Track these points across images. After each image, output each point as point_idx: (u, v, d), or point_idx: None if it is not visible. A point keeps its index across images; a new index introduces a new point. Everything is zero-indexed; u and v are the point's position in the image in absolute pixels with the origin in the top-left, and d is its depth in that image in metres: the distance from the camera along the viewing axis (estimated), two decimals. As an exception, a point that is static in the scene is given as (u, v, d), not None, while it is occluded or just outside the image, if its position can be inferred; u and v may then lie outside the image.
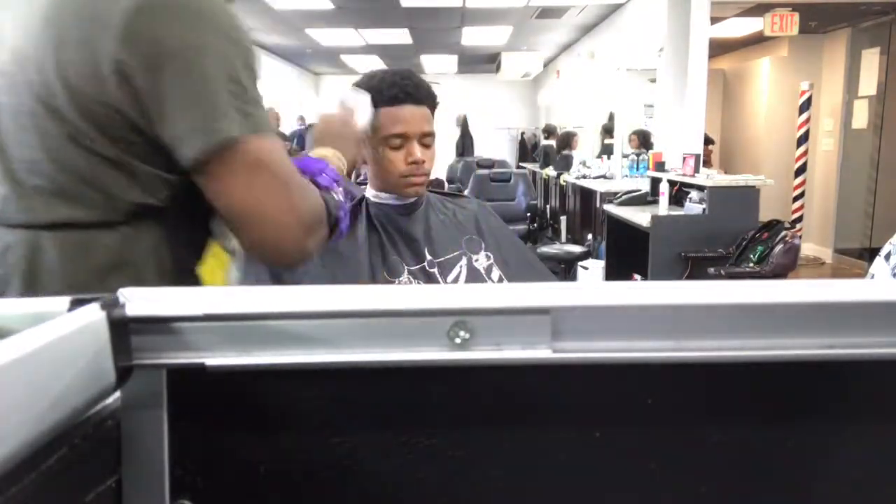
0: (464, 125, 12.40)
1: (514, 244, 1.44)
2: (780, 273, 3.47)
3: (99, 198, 0.78)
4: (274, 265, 0.91)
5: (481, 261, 1.32)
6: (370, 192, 1.30)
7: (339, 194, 0.96)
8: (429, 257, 1.27)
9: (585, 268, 4.69)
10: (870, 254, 5.90)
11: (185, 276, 0.84)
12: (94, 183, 0.78)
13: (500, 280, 1.33)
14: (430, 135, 1.26)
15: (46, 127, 0.76)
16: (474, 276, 1.29)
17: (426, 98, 1.25)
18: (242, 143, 0.77)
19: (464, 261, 1.30)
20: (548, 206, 8.09)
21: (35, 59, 0.75)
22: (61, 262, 0.78)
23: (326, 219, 0.90)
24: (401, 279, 1.23)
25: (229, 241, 0.91)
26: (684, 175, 4.33)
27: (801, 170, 6.05)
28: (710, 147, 6.68)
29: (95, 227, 0.79)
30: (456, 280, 1.27)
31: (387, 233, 1.27)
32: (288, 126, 9.05)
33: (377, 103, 1.22)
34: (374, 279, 1.21)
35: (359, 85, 1.25)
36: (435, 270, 1.26)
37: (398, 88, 1.22)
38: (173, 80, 0.74)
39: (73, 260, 0.79)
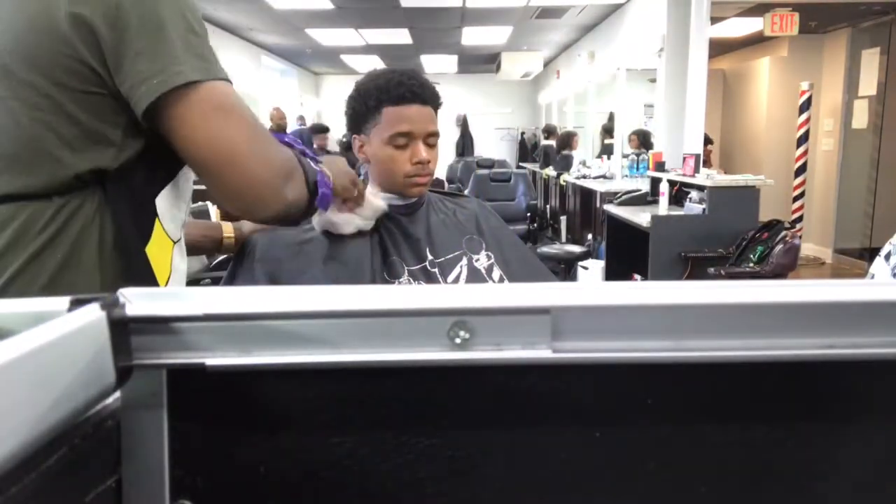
0: (464, 125, 12.40)
1: (514, 244, 1.44)
2: (780, 273, 3.47)
3: (42, 164, 0.76)
4: (249, 214, 0.89)
5: (482, 261, 1.31)
6: (370, 191, 1.30)
7: (319, 169, 0.95)
8: (430, 257, 1.27)
9: (585, 268, 4.69)
10: (870, 254, 5.90)
11: (133, 255, 0.83)
12: (39, 146, 0.76)
13: (501, 280, 1.32)
14: (435, 135, 1.26)
15: None
16: (475, 276, 1.29)
17: (431, 98, 1.25)
18: (207, 86, 0.77)
19: (464, 261, 1.29)
20: (548, 206, 8.09)
21: None
22: None
23: (304, 179, 0.89)
24: (401, 280, 1.23)
25: (173, 222, 0.89)
26: (684, 175, 4.33)
27: (801, 170, 6.05)
28: (710, 147, 6.68)
29: (34, 199, 0.77)
30: (456, 280, 1.27)
31: (388, 232, 1.26)
32: (288, 127, 9.04)
33: (383, 102, 1.22)
34: (374, 281, 1.21)
35: (364, 83, 1.25)
36: (436, 270, 1.26)
37: (405, 88, 1.22)
38: (131, 29, 0.74)
39: (9, 235, 0.77)
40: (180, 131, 0.78)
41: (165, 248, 0.88)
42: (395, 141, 1.23)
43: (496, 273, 1.32)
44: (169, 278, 0.89)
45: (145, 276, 0.84)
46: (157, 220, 0.85)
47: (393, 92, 1.22)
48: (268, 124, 6.84)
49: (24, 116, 0.75)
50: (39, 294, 0.78)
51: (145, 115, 0.76)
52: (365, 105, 1.24)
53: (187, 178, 0.91)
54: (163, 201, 0.86)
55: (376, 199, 1.23)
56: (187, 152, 0.79)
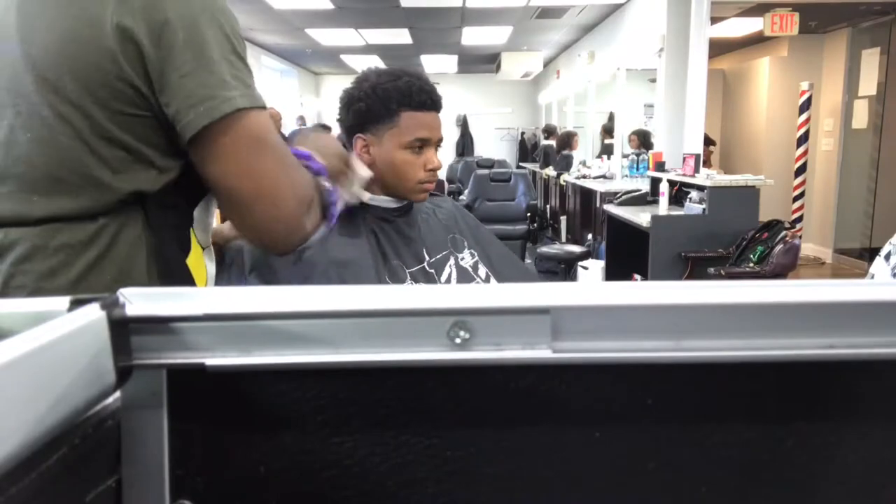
0: (464, 125, 12.40)
1: (492, 241, 1.44)
2: (780, 273, 3.47)
3: (82, 186, 0.75)
4: (271, 247, 0.88)
5: (466, 259, 1.31)
6: (364, 194, 1.29)
7: (326, 181, 0.94)
8: (427, 258, 1.27)
9: (585, 268, 4.69)
10: (870, 254, 5.90)
11: (177, 269, 0.82)
12: (79, 167, 0.74)
13: (488, 277, 1.32)
14: (441, 141, 1.28)
15: (30, 103, 0.72)
16: (464, 274, 1.29)
17: (441, 105, 1.27)
18: (248, 115, 0.75)
19: (452, 260, 1.29)
20: (548, 206, 8.09)
21: (22, 31, 0.72)
22: (40, 260, 0.75)
23: (319, 203, 0.88)
24: (405, 284, 1.23)
25: (202, 232, 0.89)
26: (684, 175, 4.33)
27: (801, 170, 6.05)
28: (712, 148, 6.68)
29: (76, 221, 0.76)
30: (448, 280, 1.27)
31: (385, 235, 1.26)
32: (288, 127, 9.05)
33: (403, 106, 1.21)
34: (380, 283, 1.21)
35: (381, 84, 1.22)
36: (433, 271, 1.26)
37: (426, 95, 1.23)
38: (178, 49, 0.72)
39: (53, 257, 0.75)
40: (219, 162, 0.76)
41: (198, 256, 0.88)
42: (412, 146, 1.22)
43: (482, 270, 1.32)
44: (206, 281, 0.89)
45: (188, 284, 0.84)
46: (191, 230, 0.86)
47: (415, 98, 1.21)
48: None
49: (64, 136, 0.73)
50: None
51: (190, 141, 0.74)
52: (384, 107, 1.21)
53: None
54: (196, 212, 0.86)
55: (362, 169, 1.20)
56: (221, 183, 0.78)
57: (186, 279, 0.83)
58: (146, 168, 0.77)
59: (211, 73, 0.73)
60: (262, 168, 0.77)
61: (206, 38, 0.74)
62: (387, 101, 1.21)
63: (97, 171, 0.75)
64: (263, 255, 1.17)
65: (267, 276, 1.15)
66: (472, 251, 1.34)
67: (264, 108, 0.79)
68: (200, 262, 0.88)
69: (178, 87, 0.73)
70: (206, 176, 0.78)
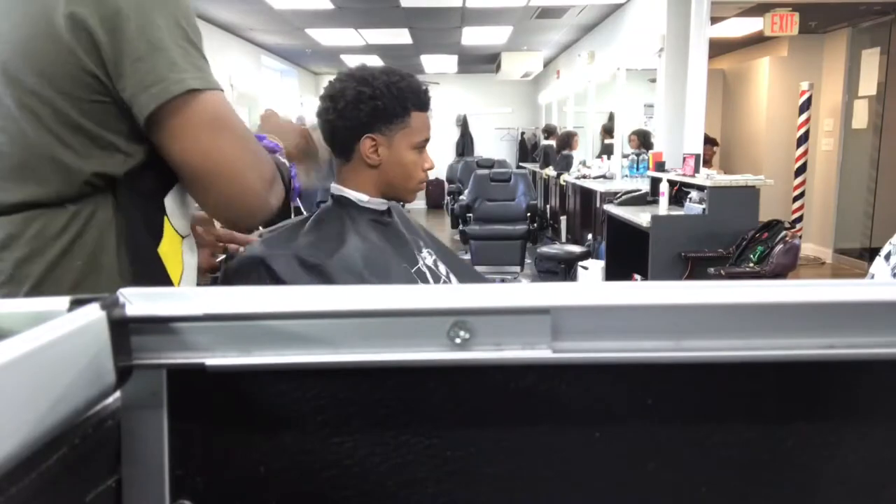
0: (464, 125, 12.39)
1: (434, 238, 1.43)
2: (780, 273, 3.47)
3: (51, 172, 0.77)
4: (237, 224, 0.90)
5: (427, 258, 1.29)
6: (358, 196, 1.22)
7: (283, 158, 0.97)
8: (418, 258, 1.26)
9: (585, 268, 4.69)
10: (870, 254, 5.90)
11: (148, 256, 0.83)
12: (47, 154, 0.76)
13: (448, 274, 1.31)
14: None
15: None
16: (433, 274, 1.27)
17: None
18: (202, 96, 0.77)
19: (419, 259, 1.27)
20: (548, 206, 8.09)
21: None
22: (17, 248, 0.77)
23: (282, 181, 0.90)
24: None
25: (182, 219, 0.89)
26: (684, 175, 4.33)
27: (801, 170, 6.05)
28: (714, 149, 6.67)
29: (49, 207, 0.78)
30: (428, 280, 1.26)
31: (385, 238, 1.23)
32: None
33: (413, 105, 1.19)
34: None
35: (394, 82, 1.17)
36: (426, 271, 1.25)
37: (428, 95, 1.23)
38: (130, 36, 0.75)
39: (29, 245, 0.78)
40: (177, 141, 0.78)
41: (175, 245, 0.88)
42: (420, 147, 1.22)
43: (442, 268, 1.31)
44: (182, 275, 0.90)
45: (160, 277, 0.85)
46: (165, 218, 0.86)
47: (422, 98, 1.21)
48: (258, 124, 6.81)
49: (29, 126, 0.76)
50: None
51: (146, 123, 0.77)
52: (400, 106, 1.18)
53: None
54: (170, 199, 0.86)
55: (321, 143, 1.17)
56: (181, 162, 0.80)
57: (157, 266, 0.84)
58: (111, 153, 0.79)
59: (162, 58, 0.76)
60: (219, 146, 0.79)
61: (158, 24, 0.76)
62: (402, 100, 1.18)
63: (65, 157, 0.77)
64: (306, 252, 1.09)
65: (318, 276, 1.08)
66: (429, 249, 1.33)
67: (220, 90, 0.81)
68: (176, 250, 0.89)
69: (132, 73, 0.75)
70: (167, 157, 0.80)
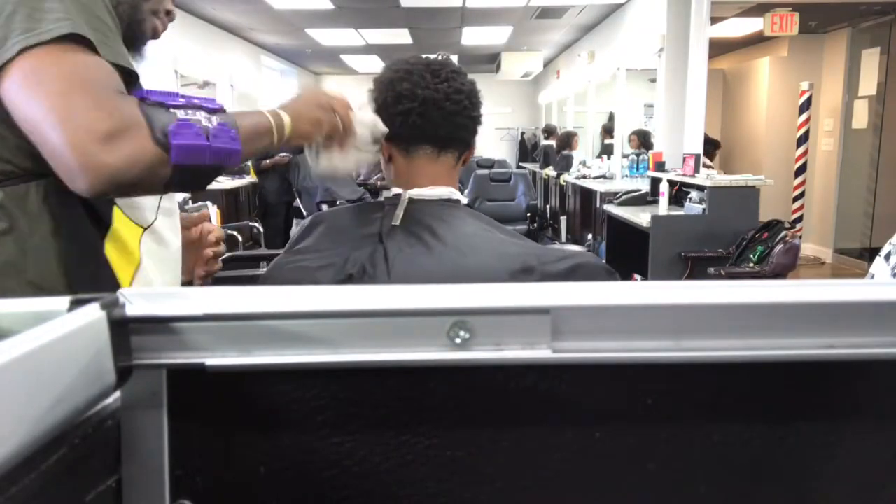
0: (464, 125, 12.34)
1: None
2: (780, 273, 3.47)
3: None
4: (74, 186, 0.80)
5: None
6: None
7: (188, 112, 0.83)
8: None
9: (586, 268, 4.68)
10: (870, 254, 5.90)
11: (87, 245, 0.81)
12: None
13: None
14: None
15: None
16: None
17: None
18: (29, 54, 0.74)
19: None
20: (548, 206, 8.09)
21: None
22: None
23: (149, 134, 0.77)
24: None
25: (138, 209, 0.86)
26: (684, 175, 4.33)
27: (801, 170, 6.06)
28: (716, 151, 6.67)
29: None
30: None
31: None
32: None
33: None
34: None
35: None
36: None
37: None
38: None
39: None
40: (9, 102, 0.75)
41: (132, 236, 0.86)
42: None
43: None
44: (139, 265, 0.87)
45: (100, 272, 0.82)
46: (116, 208, 0.84)
47: None
48: None
49: None
50: None
51: None
52: None
53: None
54: None
55: (367, 114, 1.02)
56: (16, 117, 0.76)
57: (95, 259, 0.82)
58: (16, 137, 0.77)
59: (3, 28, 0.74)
60: (29, 100, 0.75)
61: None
62: None
63: None
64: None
65: None
66: None
67: (59, 39, 0.76)
68: (132, 240, 0.86)
69: None
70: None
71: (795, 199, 6.15)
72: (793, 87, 6.22)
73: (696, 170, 4.25)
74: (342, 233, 1.03)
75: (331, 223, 1.07)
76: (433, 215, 1.01)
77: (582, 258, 1.02)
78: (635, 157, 6.09)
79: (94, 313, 0.36)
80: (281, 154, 6.40)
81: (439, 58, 1.08)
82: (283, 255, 1.03)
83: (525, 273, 0.94)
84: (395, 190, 1.06)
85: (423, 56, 1.08)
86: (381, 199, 1.08)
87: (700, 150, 4.75)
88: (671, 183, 4.41)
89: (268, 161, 6.39)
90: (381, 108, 1.03)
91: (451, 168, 1.09)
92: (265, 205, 6.67)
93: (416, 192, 1.04)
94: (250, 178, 6.85)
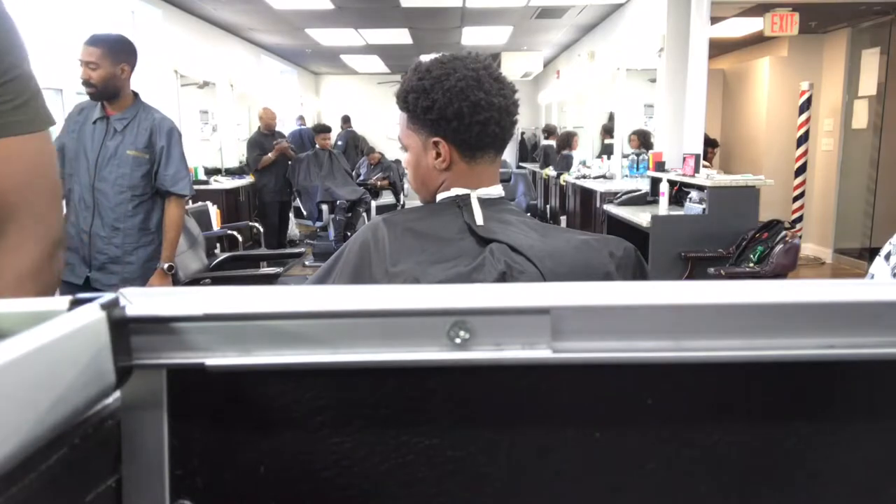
0: (464, 125, 12.34)
1: None
2: (780, 273, 3.47)
3: None
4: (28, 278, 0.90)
5: None
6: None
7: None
8: None
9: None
10: (870, 254, 5.91)
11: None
12: None
13: None
14: None
15: None
16: None
17: None
18: None
19: None
20: (548, 206, 8.09)
21: None
22: None
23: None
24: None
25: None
26: (684, 175, 4.33)
27: (801, 170, 6.06)
28: (715, 150, 6.67)
29: None
30: None
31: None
32: (287, 126, 9.05)
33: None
34: None
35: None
36: None
37: None
38: None
39: None
40: None
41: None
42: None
43: None
44: None
45: None
46: None
47: None
48: (257, 124, 6.84)
49: None
50: None
51: None
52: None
53: None
54: None
55: None
56: None
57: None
58: None
59: None
60: None
61: None
62: None
63: None
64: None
65: None
66: None
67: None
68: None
69: None
70: None
71: (795, 199, 6.15)
72: (793, 87, 6.22)
73: (696, 170, 4.25)
74: (426, 237, 1.02)
75: (405, 226, 1.04)
76: (507, 211, 1.10)
77: (616, 240, 1.14)
78: (635, 157, 6.09)
79: (94, 313, 0.36)
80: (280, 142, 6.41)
81: (477, 56, 1.08)
82: (396, 265, 0.98)
83: (611, 256, 1.07)
84: (457, 190, 1.08)
85: (468, 54, 1.08)
86: (441, 200, 1.10)
87: (700, 150, 4.75)
88: (671, 183, 4.41)
89: (270, 155, 6.40)
90: (455, 117, 1.02)
91: (497, 168, 1.14)
92: (262, 203, 6.68)
93: (483, 193, 1.09)
94: (250, 179, 6.86)
